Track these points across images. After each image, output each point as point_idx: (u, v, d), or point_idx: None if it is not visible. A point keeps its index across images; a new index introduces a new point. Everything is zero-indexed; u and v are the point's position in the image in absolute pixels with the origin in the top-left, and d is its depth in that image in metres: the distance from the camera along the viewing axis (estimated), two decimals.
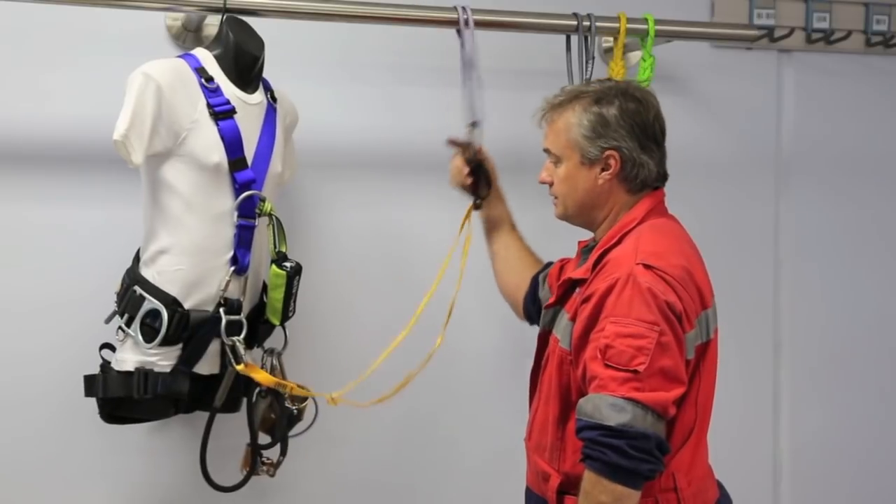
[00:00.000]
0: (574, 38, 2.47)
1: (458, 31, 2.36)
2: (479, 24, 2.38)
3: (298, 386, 2.21)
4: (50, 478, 2.45)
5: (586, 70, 2.45)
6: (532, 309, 2.28)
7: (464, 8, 2.36)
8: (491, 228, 2.37)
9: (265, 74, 2.29)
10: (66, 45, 2.42)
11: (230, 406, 2.28)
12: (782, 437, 3.06)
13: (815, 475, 3.07)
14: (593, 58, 2.46)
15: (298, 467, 2.47)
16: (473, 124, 2.29)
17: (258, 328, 2.27)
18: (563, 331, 1.97)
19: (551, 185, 2.03)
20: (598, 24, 2.48)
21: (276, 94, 2.31)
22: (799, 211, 3.05)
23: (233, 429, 2.32)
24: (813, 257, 3.06)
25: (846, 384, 3.10)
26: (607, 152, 1.93)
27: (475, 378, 2.72)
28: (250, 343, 2.23)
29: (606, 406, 1.74)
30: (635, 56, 2.68)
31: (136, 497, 2.51)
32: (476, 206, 2.31)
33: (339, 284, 2.45)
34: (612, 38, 2.55)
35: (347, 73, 2.58)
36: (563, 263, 2.22)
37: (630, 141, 1.93)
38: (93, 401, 2.18)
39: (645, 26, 2.53)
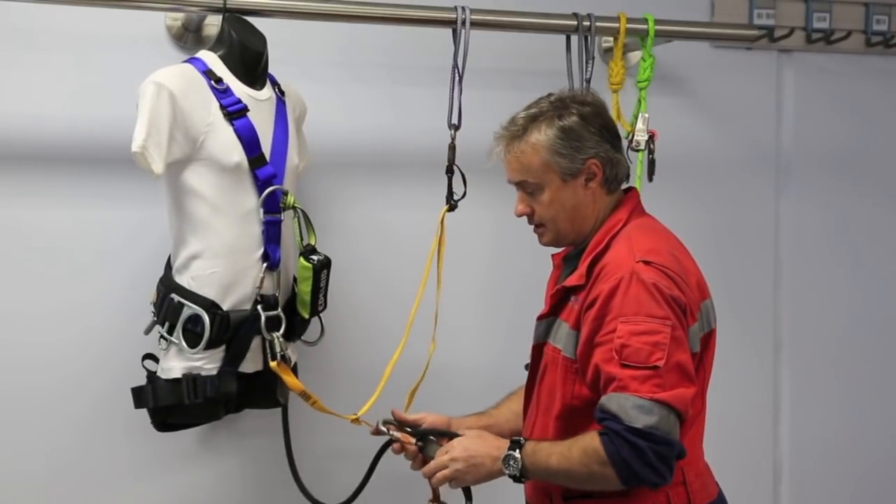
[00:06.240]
0: (574, 39, 2.47)
1: (455, 31, 2.35)
2: (480, 25, 2.39)
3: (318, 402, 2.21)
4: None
5: (586, 70, 2.45)
6: None
7: (463, 8, 2.36)
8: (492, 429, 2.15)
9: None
10: (66, 45, 2.42)
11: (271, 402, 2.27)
12: (782, 437, 3.06)
13: (815, 475, 3.07)
14: (593, 58, 2.46)
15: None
16: (455, 127, 2.31)
17: (293, 322, 2.27)
18: (564, 340, 1.95)
19: (531, 215, 1.99)
20: (598, 24, 2.48)
21: (284, 88, 2.33)
22: (799, 211, 3.04)
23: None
24: (813, 257, 3.06)
25: (846, 384, 3.10)
26: (588, 161, 1.92)
27: (470, 383, 2.67)
28: (289, 337, 2.25)
29: (632, 407, 1.71)
30: (635, 56, 2.68)
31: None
32: (451, 209, 2.31)
33: (338, 284, 2.44)
34: (612, 38, 2.55)
35: (347, 74, 2.57)
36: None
37: (603, 143, 1.93)
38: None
39: (645, 26, 2.53)
